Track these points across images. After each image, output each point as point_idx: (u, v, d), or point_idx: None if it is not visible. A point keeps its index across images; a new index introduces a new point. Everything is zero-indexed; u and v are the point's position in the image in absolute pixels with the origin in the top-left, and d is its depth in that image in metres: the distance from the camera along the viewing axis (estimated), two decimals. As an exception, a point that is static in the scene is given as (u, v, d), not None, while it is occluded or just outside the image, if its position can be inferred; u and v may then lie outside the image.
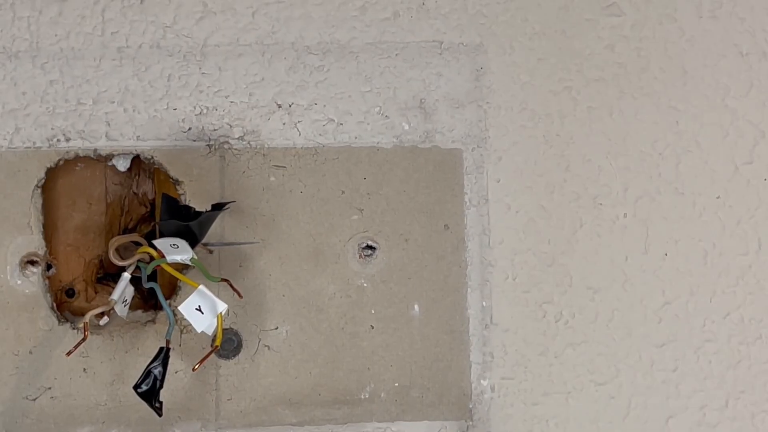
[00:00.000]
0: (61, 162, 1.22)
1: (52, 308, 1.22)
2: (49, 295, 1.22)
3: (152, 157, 1.23)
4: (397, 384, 1.24)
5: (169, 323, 1.15)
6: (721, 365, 1.27)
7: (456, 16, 1.26)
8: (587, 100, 1.27)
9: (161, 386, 1.13)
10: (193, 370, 1.15)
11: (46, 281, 1.22)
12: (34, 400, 1.21)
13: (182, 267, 1.18)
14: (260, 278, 1.23)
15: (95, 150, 1.23)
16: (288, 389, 1.23)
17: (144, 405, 1.13)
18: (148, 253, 1.14)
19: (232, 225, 1.23)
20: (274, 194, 1.24)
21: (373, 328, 1.24)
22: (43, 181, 1.22)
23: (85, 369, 1.22)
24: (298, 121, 1.24)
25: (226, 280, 1.19)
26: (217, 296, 1.15)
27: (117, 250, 1.19)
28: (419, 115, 1.25)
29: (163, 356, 1.13)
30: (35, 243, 1.21)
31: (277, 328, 1.23)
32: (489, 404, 1.26)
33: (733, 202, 1.28)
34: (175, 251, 1.13)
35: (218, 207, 1.19)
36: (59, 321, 1.21)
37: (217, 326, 1.14)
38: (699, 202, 1.27)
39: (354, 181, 1.25)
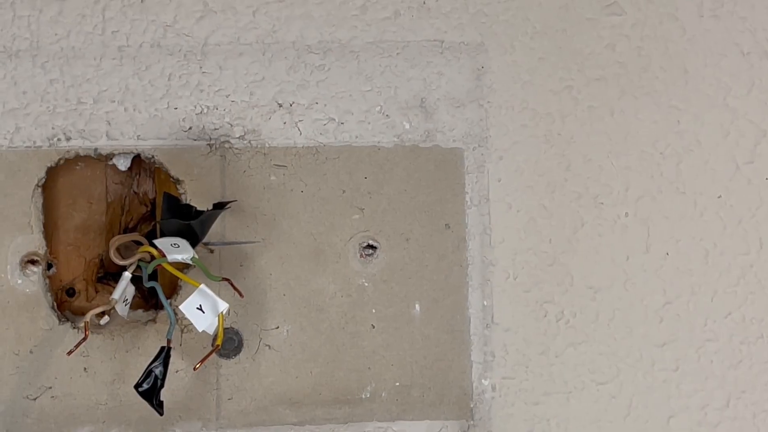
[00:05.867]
0: (61, 161, 1.22)
1: (53, 308, 1.22)
2: (49, 294, 1.22)
3: (153, 157, 1.23)
4: (397, 383, 1.24)
5: (170, 322, 1.15)
6: (722, 365, 1.27)
7: (457, 15, 1.26)
8: (588, 99, 1.27)
9: (162, 385, 1.13)
10: (194, 369, 1.15)
11: (47, 281, 1.22)
12: (35, 399, 1.21)
13: (183, 266, 1.18)
14: (261, 277, 1.23)
15: (96, 149, 1.22)
16: (289, 389, 1.23)
17: (145, 404, 1.13)
18: (149, 252, 1.14)
19: (232, 224, 1.23)
20: (274, 193, 1.24)
21: (374, 327, 1.24)
22: (44, 180, 1.22)
23: (85, 368, 1.22)
24: (299, 121, 1.24)
25: (227, 280, 1.19)
26: (218, 295, 1.15)
27: (118, 249, 1.19)
28: (420, 114, 1.25)
29: (164, 356, 1.13)
30: (36, 242, 1.21)
31: (278, 328, 1.23)
32: (490, 404, 1.26)
33: (735, 202, 1.28)
34: (176, 250, 1.13)
35: (219, 206, 1.19)
36: (60, 320, 1.21)
37: (218, 325, 1.14)
38: (700, 202, 1.27)
39: (355, 180, 1.24)
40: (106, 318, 1.20)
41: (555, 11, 1.27)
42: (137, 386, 1.13)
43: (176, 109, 1.23)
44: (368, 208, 1.25)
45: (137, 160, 1.25)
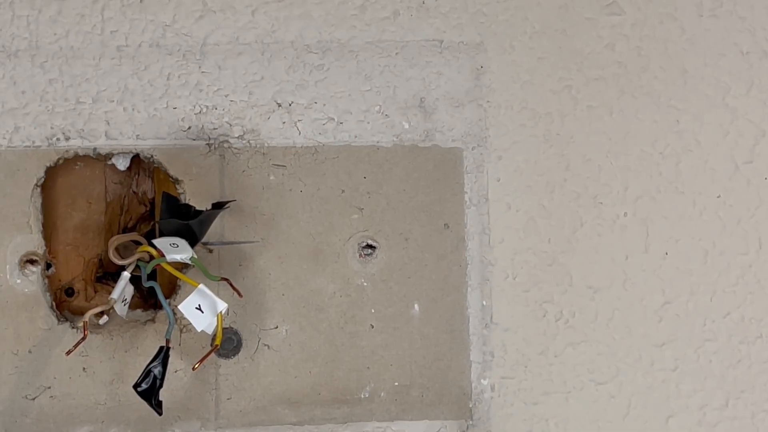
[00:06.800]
0: (60, 161, 1.22)
1: (52, 307, 1.22)
2: (48, 294, 1.22)
3: (152, 156, 1.23)
4: (396, 383, 1.24)
5: (169, 322, 1.15)
6: (721, 364, 1.27)
7: (456, 14, 1.26)
8: (587, 99, 1.27)
9: (161, 385, 1.13)
10: (193, 369, 1.15)
11: (46, 280, 1.22)
12: (34, 399, 1.21)
13: (182, 266, 1.18)
14: (260, 277, 1.23)
15: (95, 149, 1.22)
16: (288, 388, 1.23)
17: (144, 404, 1.13)
18: (148, 252, 1.14)
19: (231, 224, 1.23)
20: (273, 193, 1.23)
21: (372, 327, 1.24)
22: (43, 180, 1.22)
23: (84, 368, 1.21)
24: (298, 120, 1.24)
25: (225, 279, 1.19)
26: (217, 295, 1.15)
27: (117, 249, 1.19)
28: (419, 114, 1.25)
29: (162, 355, 1.13)
30: (35, 242, 1.21)
31: (276, 328, 1.23)
32: (489, 403, 1.26)
33: (734, 202, 1.27)
34: (175, 250, 1.13)
35: (218, 206, 1.19)
36: (59, 320, 1.21)
37: (217, 325, 1.14)
38: (699, 202, 1.27)
39: (354, 180, 1.24)
40: (105, 318, 1.20)
41: (554, 11, 1.27)
42: (136, 386, 1.13)
43: (175, 108, 1.23)
44: (367, 207, 1.25)
45: (136, 159, 1.25)
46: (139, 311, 1.25)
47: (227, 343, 1.22)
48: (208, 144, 1.23)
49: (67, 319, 1.22)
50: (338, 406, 1.24)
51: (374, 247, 1.25)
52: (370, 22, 1.25)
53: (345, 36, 1.25)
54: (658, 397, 1.27)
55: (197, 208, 1.18)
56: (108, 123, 1.22)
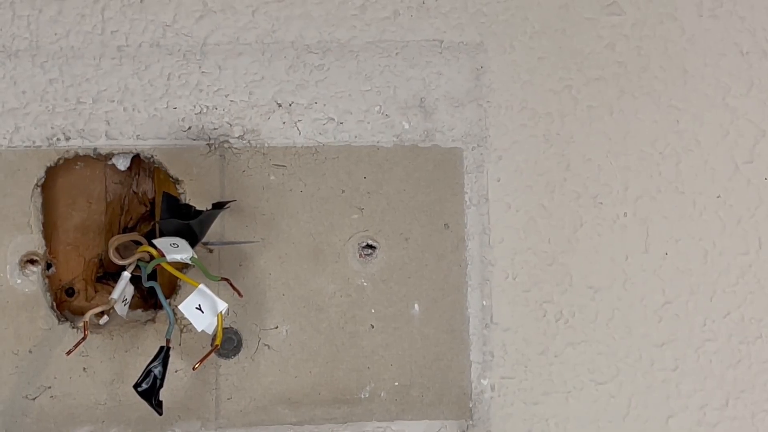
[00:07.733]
0: (60, 161, 1.22)
1: (52, 307, 1.22)
2: (48, 294, 1.22)
3: (152, 156, 1.23)
4: (397, 383, 1.24)
5: (169, 322, 1.15)
6: (721, 364, 1.27)
7: (456, 14, 1.26)
8: (587, 99, 1.27)
9: (161, 385, 1.13)
10: (193, 369, 1.15)
11: (46, 280, 1.22)
12: (34, 399, 1.21)
13: (182, 266, 1.18)
14: (260, 277, 1.23)
15: (95, 149, 1.22)
16: (288, 388, 1.23)
17: (144, 404, 1.13)
18: (148, 252, 1.14)
19: (232, 224, 1.23)
20: (274, 193, 1.24)
21: (373, 327, 1.24)
22: (43, 180, 1.22)
23: (84, 368, 1.22)
24: (298, 120, 1.24)
25: (226, 279, 1.19)
26: (217, 295, 1.15)
27: (117, 249, 1.19)
28: (419, 114, 1.25)
29: (163, 355, 1.13)
30: (35, 242, 1.21)
31: (277, 328, 1.23)
32: (489, 403, 1.26)
33: (734, 202, 1.27)
34: (175, 250, 1.13)
35: (218, 206, 1.19)
36: (59, 320, 1.21)
37: (217, 325, 1.14)
38: (699, 202, 1.27)
39: (354, 180, 1.24)
40: (105, 318, 1.20)
41: (554, 11, 1.27)
42: (136, 386, 1.13)
43: (175, 108, 1.23)
44: (367, 207, 1.25)
45: (136, 159, 1.25)
46: (139, 311, 1.25)
47: (227, 343, 1.22)
48: (208, 144, 1.23)
49: (67, 319, 1.22)
50: (338, 406, 1.24)
51: (374, 247, 1.25)
52: (370, 22, 1.25)
53: (345, 36, 1.25)
54: (658, 397, 1.27)
55: (197, 208, 1.18)
56: (108, 123, 1.22)
